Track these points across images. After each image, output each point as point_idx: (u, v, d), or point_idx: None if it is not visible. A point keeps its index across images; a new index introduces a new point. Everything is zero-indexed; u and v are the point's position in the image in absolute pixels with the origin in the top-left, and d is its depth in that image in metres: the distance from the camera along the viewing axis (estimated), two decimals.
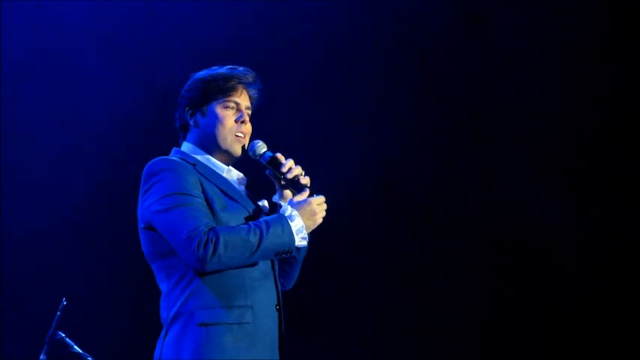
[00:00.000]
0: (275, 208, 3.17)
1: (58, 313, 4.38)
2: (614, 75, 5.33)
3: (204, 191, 2.99)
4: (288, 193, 3.17)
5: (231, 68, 3.20)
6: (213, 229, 2.88)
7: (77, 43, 5.58)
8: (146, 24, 5.60)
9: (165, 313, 2.99)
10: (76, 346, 4.39)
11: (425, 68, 5.54)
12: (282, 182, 3.17)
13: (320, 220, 3.07)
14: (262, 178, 3.23)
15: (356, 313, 5.52)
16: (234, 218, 3.00)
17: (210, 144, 3.14)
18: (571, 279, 5.37)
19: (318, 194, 3.09)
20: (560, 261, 5.40)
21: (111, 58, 5.59)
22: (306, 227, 3.02)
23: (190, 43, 5.53)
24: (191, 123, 3.17)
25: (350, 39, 5.58)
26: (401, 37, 5.57)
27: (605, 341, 5.30)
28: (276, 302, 3.06)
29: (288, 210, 3.02)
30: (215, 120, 3.13)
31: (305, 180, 3.13)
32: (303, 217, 3.01)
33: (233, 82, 3.15)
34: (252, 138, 3.20)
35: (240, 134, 3.15)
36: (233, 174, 3.17)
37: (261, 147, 3.17)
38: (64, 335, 4.38)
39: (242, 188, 3.17)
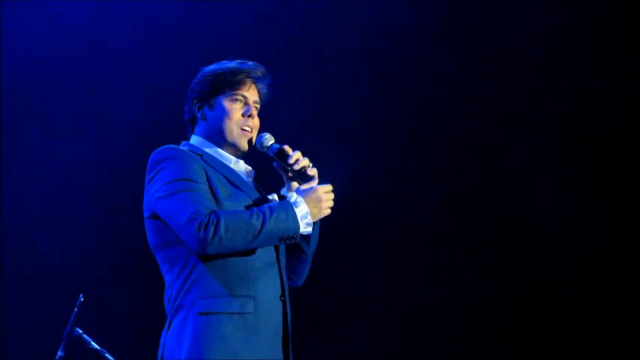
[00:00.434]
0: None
1: (76, 309, 4.34)
2: (614, 75, 5.35)
3: (208, 179, 2.98)
4: (295, 185, 3.16)
5: (240, 62, 3.19)
6: (214, 211, 2.86)
7: (77, 44, 5.58)
8: (146, 24, 5.61)
9: (169, 305, 2.99)
10: (93, 342, 4.35)
11: (427, 67, 5.55)
12: (290, 174, 3.16)
13: (327, 210, 3.04)
14: (273, 172, 3.22)
15: (360, 311, 5.52)
16: (238, 206, 2.97)
17: (218, 137, 3.14)
18: (571, 279, 5.37)
19: (325, 183, 3.08)
20: (561, 261, 5.40)
21: (111, 58, 5.59)
22: (312, 215, 2.99)
23: (190, 44, 5.54)
24: (199, 116, 3.17)
25: (353, 37, 5.61)
26: (402, 36, 5.59)
27: (605, 341, 5.30)
28: (280, 293, 3.02)
29: (293, 197, 3.00)
30: (222, 113, 3.13)
31: (312, 171, 3.11)
32: (309, 204, 2.99)
33: (241, 76, 3.15)
34: (261, 132, 3.19)
35: (246, 128, 3.14)
36: (241, 165, 3.16)
37: (269, 139, 3.16)
38: (81, 332, 4.35)
39: (250, 180, 3.16)
